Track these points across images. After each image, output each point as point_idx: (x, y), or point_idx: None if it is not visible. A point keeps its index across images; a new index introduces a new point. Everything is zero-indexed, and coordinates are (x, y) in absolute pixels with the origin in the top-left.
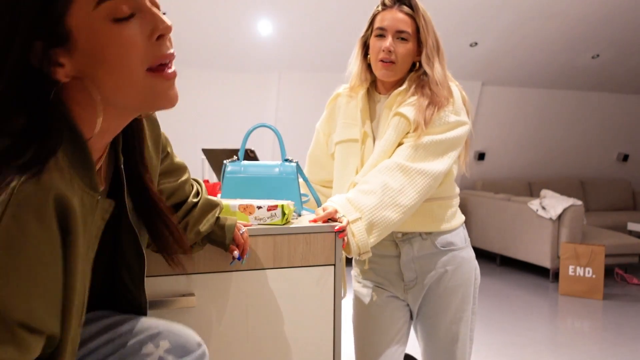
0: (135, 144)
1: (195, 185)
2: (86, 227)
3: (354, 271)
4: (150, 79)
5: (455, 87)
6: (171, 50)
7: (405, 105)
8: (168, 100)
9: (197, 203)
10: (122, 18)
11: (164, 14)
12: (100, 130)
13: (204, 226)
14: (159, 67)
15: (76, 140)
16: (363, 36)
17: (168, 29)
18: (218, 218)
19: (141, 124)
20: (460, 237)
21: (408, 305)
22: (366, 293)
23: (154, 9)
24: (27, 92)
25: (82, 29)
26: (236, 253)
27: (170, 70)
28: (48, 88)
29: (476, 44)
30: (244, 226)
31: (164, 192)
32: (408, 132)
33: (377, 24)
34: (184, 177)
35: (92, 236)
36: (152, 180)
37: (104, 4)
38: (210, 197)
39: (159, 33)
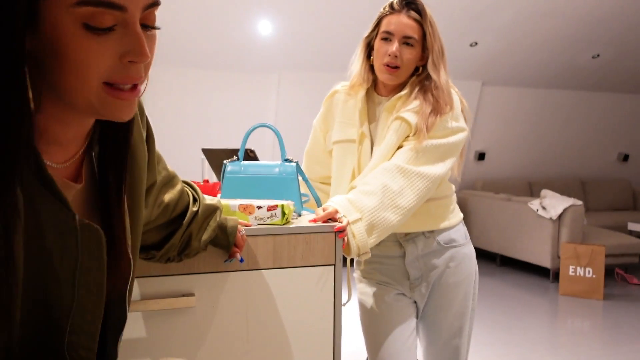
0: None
1: (190, 191)
2: (65, 245)
3: (356, 273)
4: (103, 93)
5: (454, 93)
6: (139, 75)
7: (407, 110)
8: (114, 117)
9: (197, 211)
10: (98, 28)
11: (157, 28)
12: (58, 121)
13: (207, 233)
14: (116, 86)
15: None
16: (367, 37)
17: (143, 58)
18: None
19: (127, 132)
20: (461, 234)
21: (415, 302)
22: (373, 292)
23: (140, 32)
24: None
25: (52, 17)
26: (238, 256)
27: (127, 90)
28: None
29: (476, 44)
30: (244, 226)
31: (169, 205)
32: (408, 136)
33: (383, 27)
34: (179, 185)
35: (92, 264)
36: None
37: (85, 7)
38: (207, 199)
39: (130, 59)
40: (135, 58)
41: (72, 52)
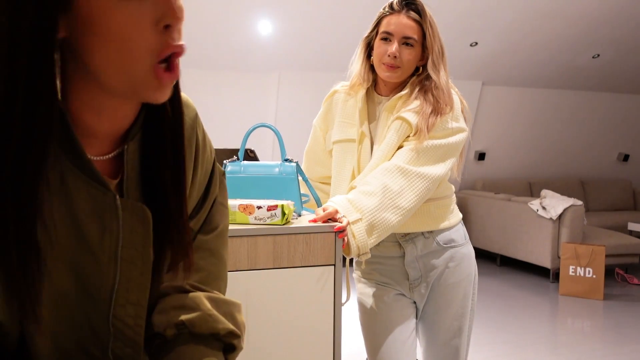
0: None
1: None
2: (107, 228)
3: (356, 273)
4: (151, 75)
5: (455, 94)
6: (178, 43)
7: (408, 110)
8: (153, 99)
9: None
10: None
11: None
12: (90, 109)
13: None
14: (160, 64)
15: (66, 132)
16: (367, 37)
17: (175, 18)
18: None
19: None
20: (460, 234)
21: (414, 302)
22: (372, 293)
23: None
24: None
25: None
26: None
27: (169, 71)
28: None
29: (476, 43)
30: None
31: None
32: (408, 136)
33: (383, 27)
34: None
35: (135, 244)
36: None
37: None
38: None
39: (166, 22)
40: (168, 19)
41: (109, 23)
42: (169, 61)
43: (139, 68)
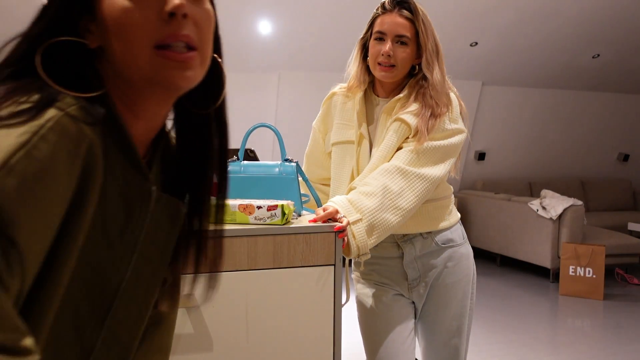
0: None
1: None
2: (134, 218)
3: (354, 274)
4: (156, 57)
5: (453, 95)
6: (184, 32)
7: (407, 112)
8: (171, 81)
9: None
10: None
11: None
12: (129, 111)
13: None
14: (167, 47)
15: (110, 112)
16: (362, 38)
17: (177, 7)
18: None
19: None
20: (459, 234)
21: (413, 302)
22: (371, 293)
23: None
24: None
25: None
26: None
27: (179, 51)
28: (83, 53)
29: (476, 44)
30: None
31: None
32: (407, 137)
33: (376, 27)
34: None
35: (156, 240)
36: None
37: None
38: None
39: (168, 11)
40: (170, 9)
41: (118, 19)
42: (173, 46)
43: (145, 52)
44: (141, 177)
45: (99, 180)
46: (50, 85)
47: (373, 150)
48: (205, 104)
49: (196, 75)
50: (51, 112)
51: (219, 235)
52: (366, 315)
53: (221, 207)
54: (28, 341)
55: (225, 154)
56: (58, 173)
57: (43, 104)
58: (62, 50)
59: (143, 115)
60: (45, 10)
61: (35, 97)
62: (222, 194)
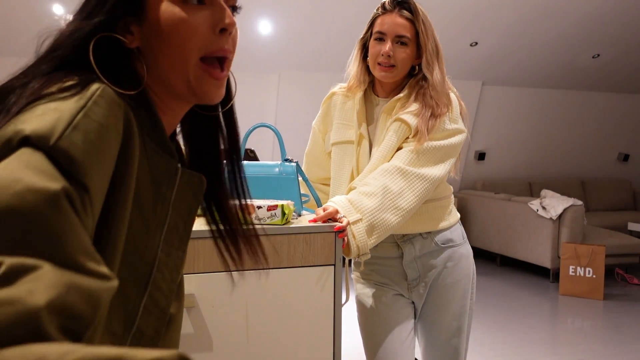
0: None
1: None
2: (162, 192)
3: (354, 274)
4: (200, 70)
5: (453, 95)
6: (227, 46)
7: (407, 112)
8: (209, 96)
9: None
10: (192, 2)
11: (238, 8)
12: (159, 110)
13: None
14: (212, 63)
15: (143, 100)
16: (362, 38)
17: (232, 25)
18: None
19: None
20: (458, 234)
21: (413, 302)
22: (371, 293)
23: (225, 5)
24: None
25: (155, 3)
26: None
27: (220, 71)
28: (119, 52)
29: (476, 43)
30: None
31: None
32: (407, 137)
33: (376, 28)
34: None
35: (181, 211)
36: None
37: None
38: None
39: (222, 26)
40: (224, 25)
41: (176, 27)
42: (216, 62)
43: (192, 63)
44: (169, 158)
45: (137, 142)
46: (97, 76)
47: (373, 150)
48: (213, 108)
49: (223, 90)
50: (96, 85)
51: (252, 233)
52: (366, 315)
53: (243, 207)
54: (106, 269)
55: (238, 154)
56: (110, 131)
57: (87, 81)
58: (102, 46)
59: (167, 112)
60: (98, 5)
61: (77, 78)
62: (242, 193)
